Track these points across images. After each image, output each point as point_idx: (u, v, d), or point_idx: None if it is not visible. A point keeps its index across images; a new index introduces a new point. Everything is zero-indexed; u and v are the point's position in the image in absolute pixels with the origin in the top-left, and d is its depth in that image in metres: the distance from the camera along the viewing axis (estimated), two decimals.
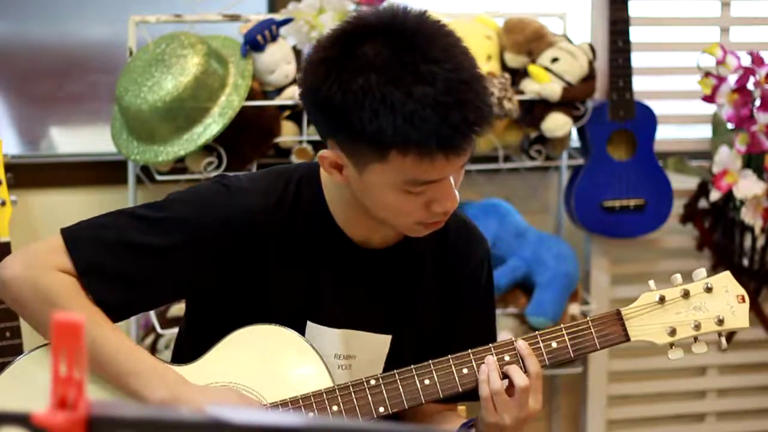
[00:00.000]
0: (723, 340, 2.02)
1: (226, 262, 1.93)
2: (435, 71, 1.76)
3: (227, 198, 1.93)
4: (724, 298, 2.00)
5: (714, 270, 3.74)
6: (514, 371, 1.91)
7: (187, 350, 1.98)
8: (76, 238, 1.92)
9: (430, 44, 1.79)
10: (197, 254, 1.92)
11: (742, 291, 2.01)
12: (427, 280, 2.04)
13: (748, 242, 3.68)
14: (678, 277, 2.00)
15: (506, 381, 1.92)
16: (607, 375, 3.80)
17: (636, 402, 3.90)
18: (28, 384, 1.92)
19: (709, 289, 1.99)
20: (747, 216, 3.56)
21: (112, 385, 1.88)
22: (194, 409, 1.79)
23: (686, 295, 1.99)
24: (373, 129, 1.76)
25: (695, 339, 2.00)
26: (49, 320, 1.85)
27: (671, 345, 1.99)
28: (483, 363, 1.93)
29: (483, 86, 1.81)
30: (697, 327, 1.98)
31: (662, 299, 1.98)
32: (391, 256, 2.01)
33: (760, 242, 3.66)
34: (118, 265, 1.91)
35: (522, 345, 1.94)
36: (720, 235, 3.71)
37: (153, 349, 3.29)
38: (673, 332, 1.98)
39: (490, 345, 1.95)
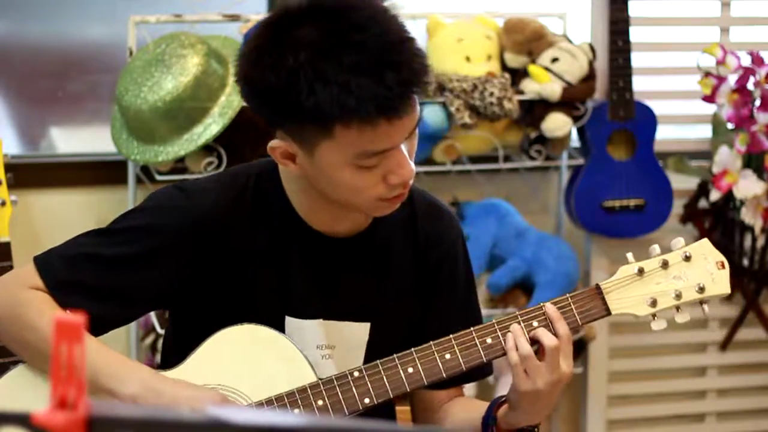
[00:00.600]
0: (705, 307, 1.99)
1: (194, 264, 1.93)
2: (364, 38, 1.76)
3: (184, 200, 1.94)
4: (704, 266, 1.97)
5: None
6: (543, 333, 1.89)
7: (173, 357, 1.98)
8: (45, 259, 1.95)
9: (355, 14, 1.79)
10: (164, 259, 1.92)
11: (721, 257, 1.98)
12: (401, 264, 2.03)
13: (748, 242, 3.68)
14: (656, 247, 1.98)
15: (534, 346, 1.90)
16: (607, 375, 3.80)
17: (636, 402, 3.90)
18: (27, 391, 1.92)
19: (687, 258, 1.97)
20: (747, 216, 3.56)
21: (88, 390, 1.87)
22: (170, 403, 1.81)
23: (665, 265, 1.97)
24: (311, 105, 1.76)
25: (677, 309, 1.97)
26: (22, 338, 1.89)
27: (653, 316, 1.97)
28: (508, 332, 1.91)
29: (414, 47, 1.80)
30: (678, 296, 1.96)
31: (641, 271, 1.96)
32: (359, 244, 2.00)
33: (760, 242, 3.66)
34: (88, 279, 1.92)
35: (551, 308, 1.92)
36: (720, 235, 3.71)
37: (153, 349, 3.29)
38: (654, 303, 1.95)
39: (517, 313, 1.94)
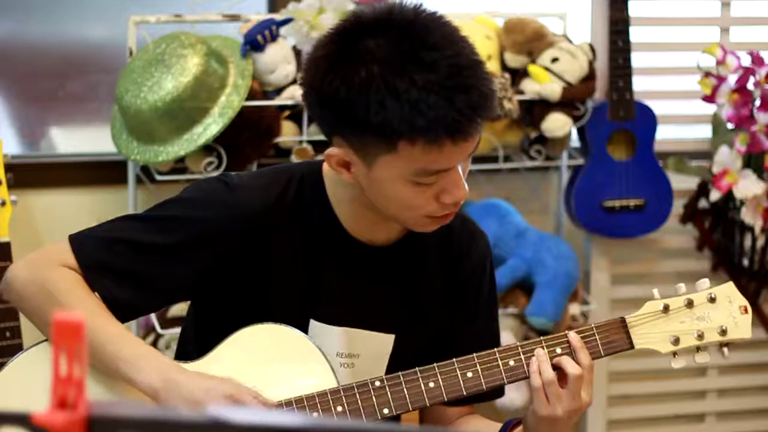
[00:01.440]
0: (725, 350, 2.02)
1: (229, 259, 1.93)
2: (437, 58, 1.77)
3: (229, 195, 1.93)
4: (727, 309, 2.01)
5: (713, 270, 3.75)
6: (567, 361, 1.91)
7: (192, 349, 1.99)
8: (81, 238, 1.94)
9: (428, 33, 1.79)
10: (200, 251, 1.92)
11: (744, 302, 2.02)
12: (432, 277, 2.04)
13: (748, 242, 3.68)
14: (682, 286, 2.01)
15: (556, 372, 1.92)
16: (607, 375, 3.80)
17: (636, 402, 3.90)
18: (27, 381, 1.92)
19: (712, 299, 2.00)
20: (747, 216, 3.56)
21: (105, 373, 1.88)
22: (186, 393, 1.81)
23: (690, 304, 1.99)
24: (379, 119, 1.76)
25: (698, 349, 2.00)
26: (49, 316, 1.87)
27: (674, 354, 2.00)
28: (532, 356, 1.92)
29: (484, 71, 1.82)
30: (701, 337, 1.99)
31: (666, 308, 1.99)
32: (395, 254, 2.00)
33: (760, 242, 3.66)
34: (124, 264, 1.92)
35: (575, 337, 1.94)
36: (720, 235, 3.71)
37: None
38: (676, 341, 1.98)
39: (541, 338, 1.95)
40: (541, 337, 1.95)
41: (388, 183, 1.83)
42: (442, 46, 1.78)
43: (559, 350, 1.93)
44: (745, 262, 3.70)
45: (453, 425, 2.09)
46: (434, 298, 2.04)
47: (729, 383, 3.95)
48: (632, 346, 1.97)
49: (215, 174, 3.11)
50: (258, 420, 1.00)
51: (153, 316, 3.22)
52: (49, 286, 1.90)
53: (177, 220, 1.93)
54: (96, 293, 1.91)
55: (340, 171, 1.88)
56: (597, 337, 1.96)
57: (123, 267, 1.92)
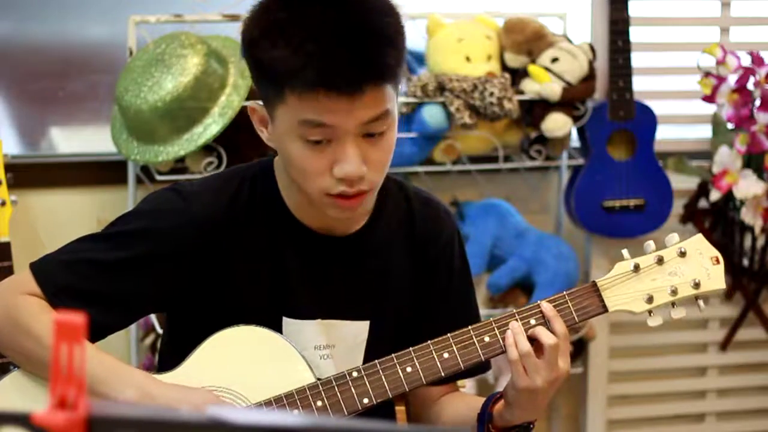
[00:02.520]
0: (701, 302, 2.00)
1: (191, 267, 1.93)
2: (342, 13, 1.79)
3: (180, 203, 1.94)
4: (699, 261, 1.98)
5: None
6: (542, 332, 1.90)
7: (170, 360, 1.97)
8: (42, 265, 1.94)
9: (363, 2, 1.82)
10: (161, 263, 1.92)
11: (715, 252, 1.99)
12: (399, 261, 2.04)
13: (748, 242, 3.68)
14: (651, 243, 1.99)
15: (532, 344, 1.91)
16: (607, 375, 3.80)
17: (636, 402, 3.90)
18: (26, 393, 1.92)
19: (682, 254, 1.97)
20: (747, 216, 3.56)
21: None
22: (172, 407, 1.81)
23: (660, 261, 1.97)
24: (267, 61, 1.81)
25: (673, 304, 1.98)
26: (18, 345, 1.88)
27: (650, 312, 1.97)
28: (507, 330, 1.92)
29: (388, 43, 1.81)
30: (674, 292, 1.96)
31: (637, 267, 1.97)
32: (356, 242, 2.00)
33: (760, 242, 3.66)
34: (86, 284, 1.91)
35: (547, 307, 1.93)
36: (720, 235, 3.71)
37: (153, 350, 3.29)
38: (650, 299, 1.96)
39: (514, 311, 1.94)
40: (514, 310, 1.95)
41: (285, 138, 1.85)
42: (355, 10, 1.80)
43: (533, 321, 1.92)
44: (745, 262, 3.70)
45: (437, 404, 2.09)
46: (404, 281, 2.04)
47: (729, 383, 3.95)
48: (606, 309, 1.95)
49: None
50: (258, 420, 1.00)
51: (153, 316, 3.22)
52: (14, 315, 1.90)
53: (134, 234, 1.93)
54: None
55: (261, 131, 1.92)
56: (570, 304, 1.94)
57: (87, 288, 1.91)
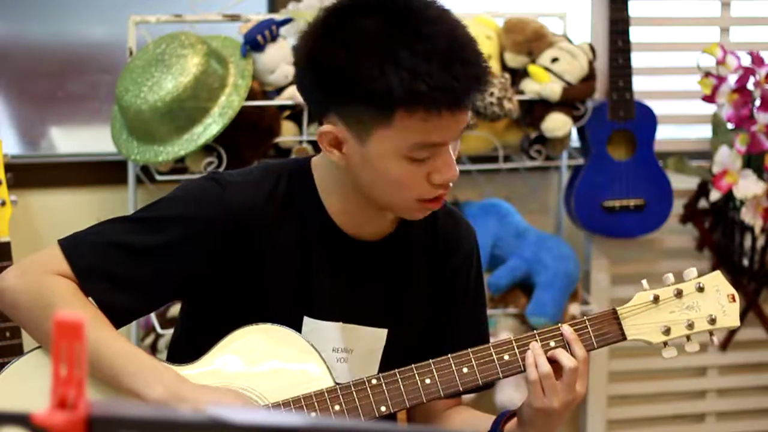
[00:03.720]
0: (714, 338, 2.03)
1: (220, 258, 1.93)
2: (436, 30, 1.79)
3: (219, 193, 1.93)
4: (716, 298, 2.02)
5: (713, 271, 3.75)
6: (562, 354, 1.91)
7: (184, 353, 1.97)
8: (72, 244, 1.92)
9: (425, 10, 1.82)
10: (193, 250, 1.91)
11: (732, 290, 2.03)
12: (420, 271, 2.04)
13: (748, 242, 3.68)
14: (670, 276, 2.02)
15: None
16: (607, 375, 3.80)
17: (636, 402, 3.90)
18: (26, 385, 1.92)
19: (700, 289, 2.01)
20: (747, 216, 3.56)
21: (109, 387, 1.87)
22: (193, 408, 1.80)
23: (679, 294, 2.01)
24: (378, 86, 1.77)
25: (688, 338, 2.01)
26: (46, 325, 1.85)
27: (665, 344, 2.01)
28: (527, 349, 1.93)
29: (479, 49, 1.84)
30: (690, 326, 2.00)
31: (656, 299, 2.00)
32: (384, 248, 2.00)
33: (760, 242, 3.66)
34: (117, 268, 1.90)
35: (568, 330, 1.94)
36: (720, 235, 3.71)
37: (153, 349, 3.29)
38: (667, 331, 1.99)
39: (535, 332, 1.95)
40: (535, 331, 1.96)
41: (381, 160, 1.83)
42: (439, 21, 1.81)
43: (552, 343, 1.94)
44: (745, 262, 3.70)
45: (442, 417, 2.09)
46: (423, 291, 2.05)
47: (729, 383, 3.95)
48: (624, 338, 1.98)
49: None
50: (258, 420, 1.00)
51: (153, 316, 3.22)
52: (46, 295, 1.88)
53: (169, 220, 1.92)
54: (91, 299, 1.90)
55: (330, 151, 1.87)
56: (590, 330, 1.96)
57: (117, 271, 1.90)
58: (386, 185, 1.86)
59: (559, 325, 1.96)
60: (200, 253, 1.92)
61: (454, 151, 1.87)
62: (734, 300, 2.02)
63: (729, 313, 2.02)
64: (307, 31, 1.86)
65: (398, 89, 1.76)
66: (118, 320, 1.91)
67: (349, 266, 1.99)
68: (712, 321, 2.00)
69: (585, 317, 1.98)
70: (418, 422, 2.12)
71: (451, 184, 1.89)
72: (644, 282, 2.02)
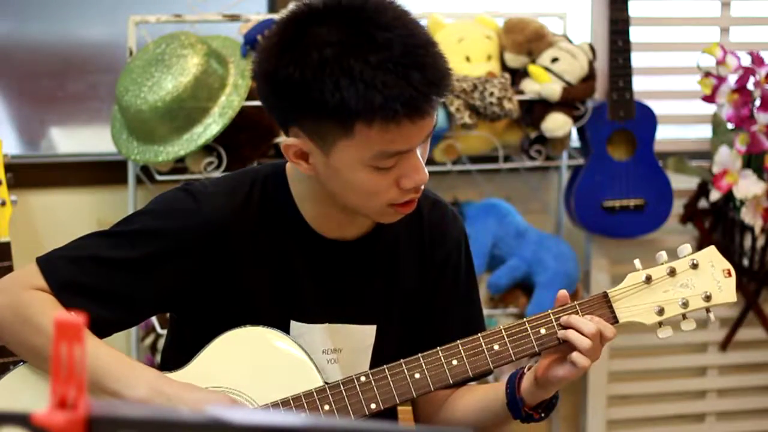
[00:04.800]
0: (711, 315, 1.99)
1: (200, 269, 1.92)
2: (390, 37, 1.76)
3: (192, 204, 1.92)
4: (711, 274, 1.97)
5: None
6: (578, 320, 1.91)
7: (175, 361, 1.96)
8: (49, 260, 1.93)
9: (380, 14, 1.78)
10: (170, 263, 1.91)
11: (727, 265, 1.98)
12: (406, 265, 2.03)
13: (748, 242, 3.68)
14: (663, 254, 1.98)
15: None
16: (607, 375, 3.80)
17: (636, 402, 3.90)
18: (16, 400, 1.91)
19: (695, 266, 1.97)
20: (747, 216, 3.56)
21: (89, 389, 1.86)
22: (176, 405, 1.80)
23: (672, 272, 1.96)
24: (335, 101, 1.75)
25: (683, 316, 1.97)
26: (27, 340, 1.87)
27: (660, 324, 1.97)
28: (517, 339, 1.91)
29: (438, 51, 1.81)
30: (685, 304, 1.95)
31: (648, 279, 1.96)
32: (364, 247, 1.99)
33: (760, 242, 3.66)
34: (94, 282, 1.90)
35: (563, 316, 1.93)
36: (720, 235, 3.71)
37: (153, 349, 3.29)
38: (661, 311, 1.95)
39: (525, 320, 1.93)
40: (525, 319, 1.94)
41: (347, 170, 1.82)
42: (394, 26, 1.77)
43: (543, 331, 1.93)
44: (745, 262, 3.70)
45: (446, 404, 2.08)
46: (412, 285, 2.03)
47: (729, 383, 3.95)
48: (616, 321, 1.95)
49: (215, 174, 3.12)
50: (258, 420, 1.00)
51: (153, 317, 3.22)
52: (23, 310, 1.89)
53: (144, 234, 1.92)
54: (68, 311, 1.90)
55: (297, 163, 1.86)
56: (580, 315, 1.94)
57: (94, 285, 1.90)
58: (355, 193, 1.85)
59: (549, 312, 1.94)
60: (177, 266, 1.91)
61: (422, 154, 1.84)
62: (730, 275, 1.97)
63: (725, 289, 1.97)
64: (263, 44, 1.84)
65: (354, 102, 1.74)
66: (98, 333, 1.90)
67: (330, 267, 1.98)
68: (707, 298, 1.96)
69: (575, 303, 1.95)
70: (423, 411, 2.11)
71: (423, 187, 1.87)
72: (636, 262, 1.99)
